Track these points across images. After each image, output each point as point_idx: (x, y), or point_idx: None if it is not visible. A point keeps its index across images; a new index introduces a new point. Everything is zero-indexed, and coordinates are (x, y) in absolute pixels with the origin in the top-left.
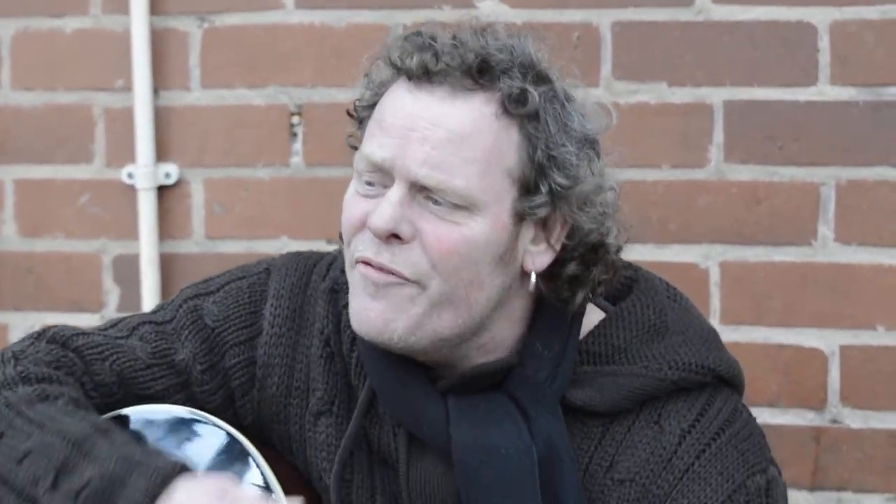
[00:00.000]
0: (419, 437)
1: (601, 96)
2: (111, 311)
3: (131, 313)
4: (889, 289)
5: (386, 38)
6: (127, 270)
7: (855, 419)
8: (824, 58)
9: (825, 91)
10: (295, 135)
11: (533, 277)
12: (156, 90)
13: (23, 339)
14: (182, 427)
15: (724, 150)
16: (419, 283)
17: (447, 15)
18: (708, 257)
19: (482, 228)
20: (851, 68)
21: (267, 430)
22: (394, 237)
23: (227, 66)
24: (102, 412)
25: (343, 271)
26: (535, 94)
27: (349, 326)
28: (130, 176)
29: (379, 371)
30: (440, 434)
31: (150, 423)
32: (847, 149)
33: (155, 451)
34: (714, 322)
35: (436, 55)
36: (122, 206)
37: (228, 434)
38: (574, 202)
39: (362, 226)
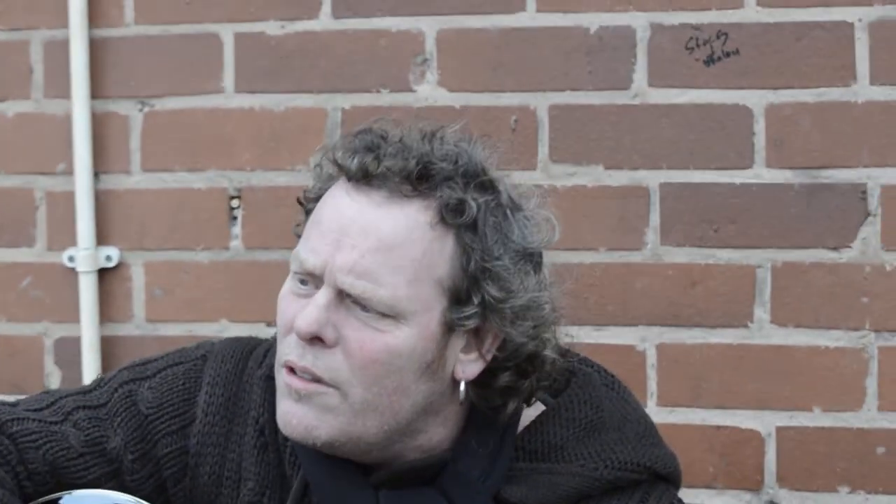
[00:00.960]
0: None
1: (538, 179)
2: None
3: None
4: (825, 370)
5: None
6: (68, 353)
7: (792, 501)
8: (760, 141)
9: (761, 174)
10: (235, 218)
11: (462, 386)
12: (97, 174)
13: None
14: None
15: (661, 232)
16: (339, 390)
17: (386, 99)
18: (645, 339)
19: (407, 337)
20: (787, 151)
21: None
22: (317, 340)
23: (167, 149)
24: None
25: None
26: (473, 204)
27: None
28: (71, 259)
29: (311, 462)
30: None
31: None
32: (783, 231)
33: None
34: (651, 404)
35: (377, 158)
36: (63, 289)
37: None
38: (507, 316)
39: (293, 328)
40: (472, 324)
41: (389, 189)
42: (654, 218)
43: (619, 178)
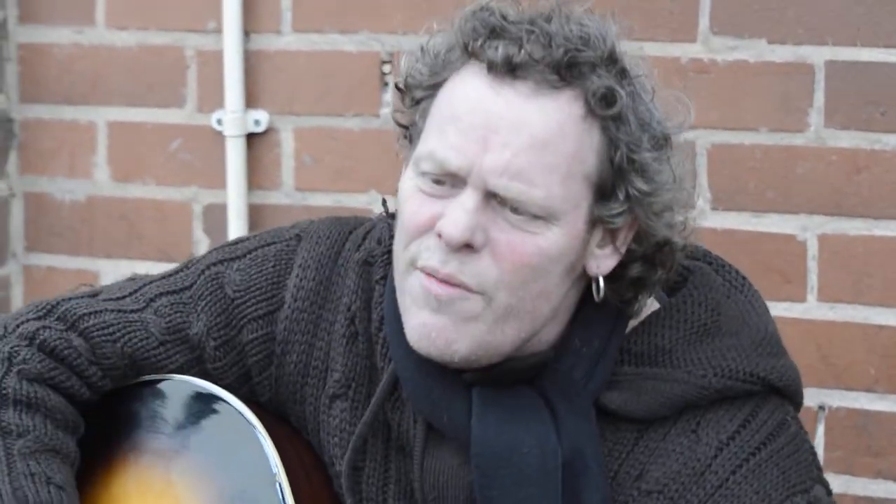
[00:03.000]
0: (439, 428)
1: (698, 52)
2: None
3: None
4: None
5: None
6: (217, 220)
7: None
8: None
9: None
10: (386, 84)
11: (601, 282)
12: (247, 33)
13: (29, 312)
14: (199, 403)
15: (825, 114)
16: (483, 295)
17: None
18: (806, 229)
19: (558, 238)
20: None
21: (283, 409)
22: (466, 246)
23: (319, 9)
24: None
25: (380, 242)
26: (623, 93)
27: (380, 303)
28: (220, 122)
29: (404, 356)
30: (461, 427)
31: (162, 395)
32: None
33: None
34: (811, 299)
35: (519, 45)
36: (212, 153)
37: (241, 414)
38: (654, 209)
39: (429, 229)
40: (619, 222)
41: (535, 80)
42: (819, 98)
43: (783, 53)
